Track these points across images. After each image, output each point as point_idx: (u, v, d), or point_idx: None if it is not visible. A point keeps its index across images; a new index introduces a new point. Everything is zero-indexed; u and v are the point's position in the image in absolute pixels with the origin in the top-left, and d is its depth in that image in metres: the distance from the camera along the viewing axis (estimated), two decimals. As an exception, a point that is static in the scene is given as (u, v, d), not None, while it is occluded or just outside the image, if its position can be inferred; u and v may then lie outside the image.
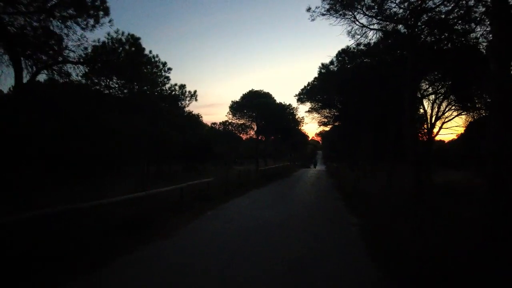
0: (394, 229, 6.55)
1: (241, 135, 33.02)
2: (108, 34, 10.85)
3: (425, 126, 22.17)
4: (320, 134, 59.09)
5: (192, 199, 9.69)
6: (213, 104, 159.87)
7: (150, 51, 15.10)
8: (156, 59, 15.45)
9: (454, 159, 29.51)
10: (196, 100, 18.19)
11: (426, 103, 20.32)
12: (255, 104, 28.44)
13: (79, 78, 10.25)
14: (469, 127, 32.87)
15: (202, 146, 23.62)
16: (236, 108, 31.24)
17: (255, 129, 31.83)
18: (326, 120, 31.96)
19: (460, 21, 9.62)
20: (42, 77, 10.98)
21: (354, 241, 6.13)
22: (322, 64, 15.89)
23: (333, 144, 46.48)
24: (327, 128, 40.47)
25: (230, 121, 31.94)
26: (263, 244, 5.69)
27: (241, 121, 31.55)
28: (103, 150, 8.76)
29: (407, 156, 10.41)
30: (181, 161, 36.89)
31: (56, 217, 4.80)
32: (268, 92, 32.48)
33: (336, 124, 33.05)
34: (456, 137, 38.80)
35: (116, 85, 12.39)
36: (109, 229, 5.48)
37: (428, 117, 20.09)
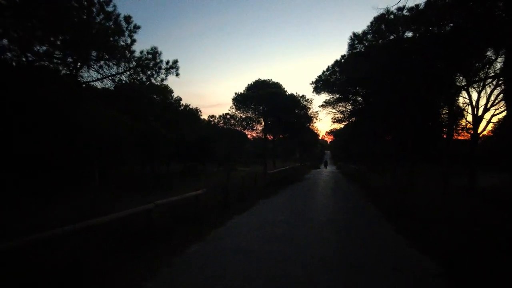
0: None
1: (246, 132, 28.92)
2: None
3: (463, 121, 18.64)
4: (331, 132, 55.45)
5: (172, 222, 6.52)
6: (219, 103, 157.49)
7: None
8: (111, 8, 10.36)
9: (488, 159, 25.80)
10: (177, 74, 12.66)
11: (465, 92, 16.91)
12: (262, 96, 24.29)
13: None
14: (506, 121, 28.80)
15: (199, 144, 20.35)
16: (240, 100, 26.80)
17: (262, 124, 27.68)
18: (342, 115, 28.69)
19: None
20: None
21: None
22: (354, 34, 12.25)
23: (347, 143, 43.06)
24: (341, 126, 37.24)
25: (232, 114, 27.65)
26: None
27: (246, 115, 27.33)
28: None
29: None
30: (180, 161, 33.82)
31: None
32: (277, 82, 28.36)
33: (353, 120, 29.80)
34: (486, 134, 34.86)
35: (47, 49, 8.64)
36: None
37: (471, 109, 16.66)
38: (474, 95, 35.67)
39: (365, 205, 10.95)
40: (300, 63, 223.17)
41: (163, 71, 11.67)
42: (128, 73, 10.94)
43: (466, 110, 17.21)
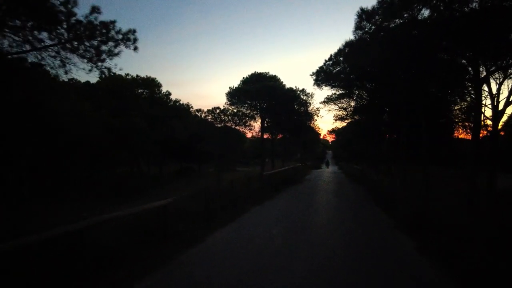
0: None
1: (239, 128, 26.62)
2: None
3: (481, 116, 16.98)
4: (333, 131, 53.79)
5: (128, 243, 5.00)
6: (220, 103, 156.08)
7: None
8: None
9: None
10: (135, 48, 9.49)
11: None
12: (259, 90, 22.25)
13: None
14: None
15: (189, 143, 18.78)
16: (235, 95, 24.43)
17: (259, 122, 25.67)
18: (344, 113, 27.18)
19: None
20: None
21: None
22: (362, 10, 10.49)
23: (350, 142, 41.58)
24: (343, 124, 35.77)
25: (223, 107, 24.90)
26: None
27: (240, 110, 25.08)
28: None
29: None
30: (177, 161, 32.28)
31: None
32: (275, 75, 26.57)
33: (356, 117, 28.29)
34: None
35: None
36: None
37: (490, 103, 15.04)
38: (493, 87, 34.01)
39: (374, 212, 9.40)
40: (299, 57, 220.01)
41: (112, 43, 8.77)
42: (68, 45, 8.54)
43: (484, 104, 15.50)
